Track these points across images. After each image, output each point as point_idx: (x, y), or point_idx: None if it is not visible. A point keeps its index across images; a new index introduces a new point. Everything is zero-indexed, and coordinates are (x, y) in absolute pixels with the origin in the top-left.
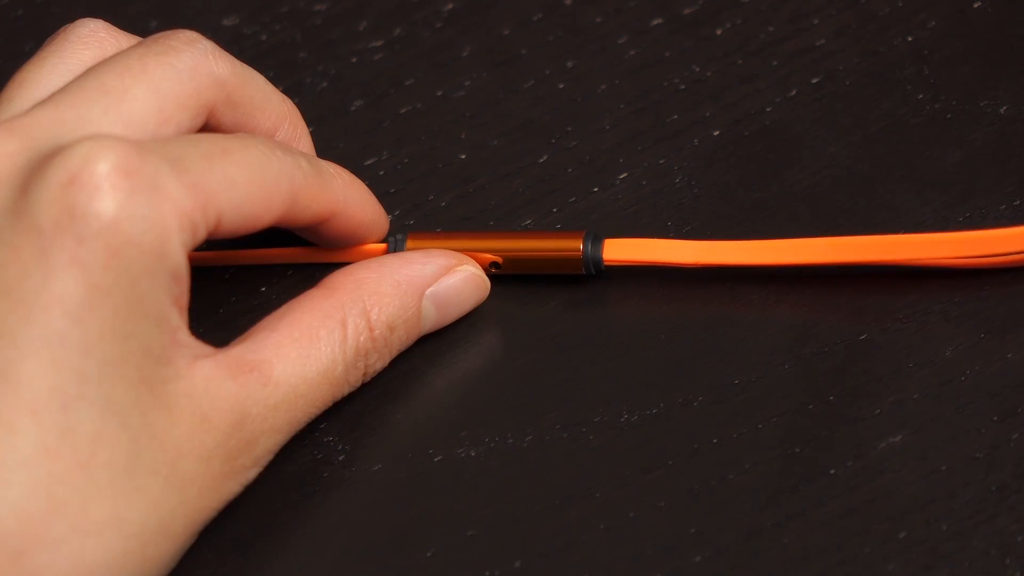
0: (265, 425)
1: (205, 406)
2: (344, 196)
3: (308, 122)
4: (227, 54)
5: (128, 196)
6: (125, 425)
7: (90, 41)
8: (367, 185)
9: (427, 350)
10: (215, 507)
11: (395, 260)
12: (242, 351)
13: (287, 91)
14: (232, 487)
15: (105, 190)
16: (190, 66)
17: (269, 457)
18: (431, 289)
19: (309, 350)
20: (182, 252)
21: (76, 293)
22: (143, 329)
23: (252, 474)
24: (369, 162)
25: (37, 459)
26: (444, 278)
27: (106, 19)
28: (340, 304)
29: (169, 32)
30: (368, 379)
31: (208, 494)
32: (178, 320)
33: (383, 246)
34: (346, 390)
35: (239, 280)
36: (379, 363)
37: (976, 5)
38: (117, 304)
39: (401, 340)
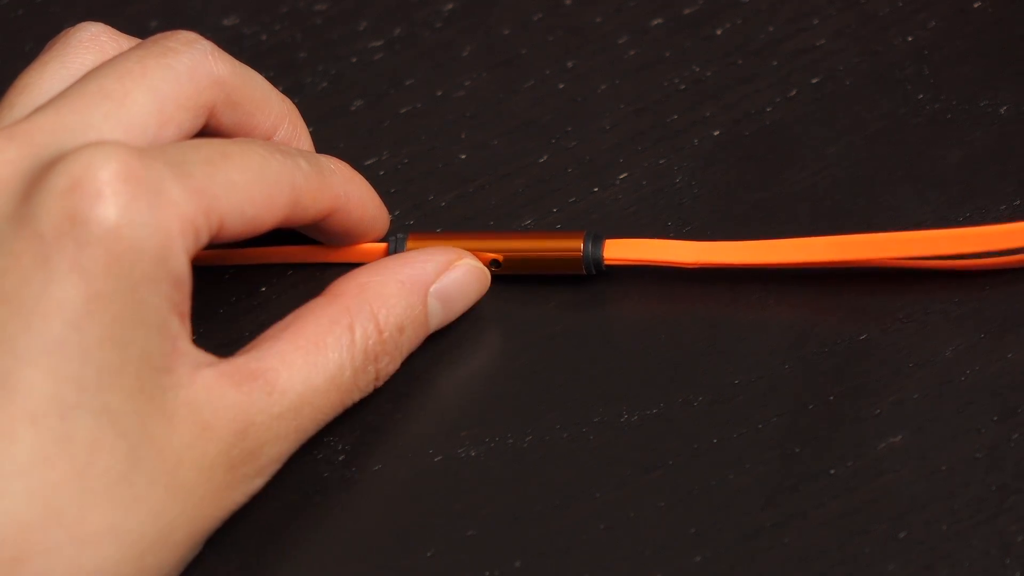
0: (270, 434)
1: (207, 415)
2: (345, 192)
3: (308, 122)
4: (226, 54)
5: (130, 202)
6: (123, 434)
7: (91, 45)
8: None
9: (427, 350)
10: (218, 516)
11: (396, 261)
12: (246, 360)
13: (287, 91)
14: (235, 497)
15: (107, 196)
16: (189, 67)
17: (275, 466)
18: (435, 286)
19: (316, 357)
20: (184, 258)
21: (76, 300)
22: (142, 336)
23: (257, 484)
24: (369, 162)
25: (35, 467)
26: (446, 274)
27: (106, 19)
28: (346, 309)
29: (168, 33)
30: (380, 383)
31: (210, 504)
32: (179, 328)
33: (383, 245)
34: (356, 396)
35: (239, 280)
36: (391, 366)
37: (976, 5)
38: (117, 311)
39: (410, 341)
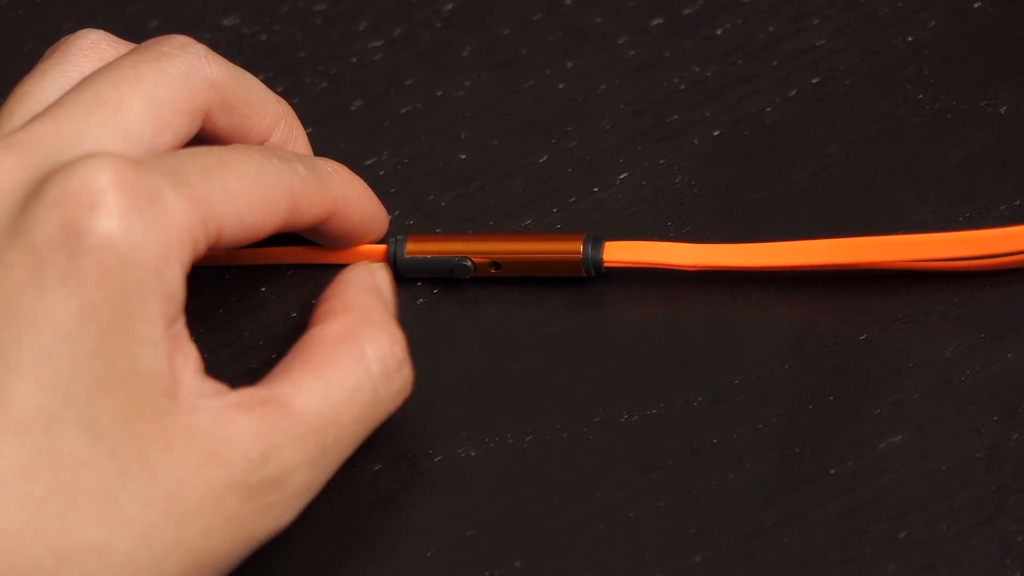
0: (296, 458)
1: (214, 442)
2: (343, 195)
3: (308, 122)
4: (221, 57)
5: (126, 213)
6: (112, 452)
7: (91, 53)
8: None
9: (428, 351)
10: (229, 551)
11: (342, 283)
12: (256, 390)
13: (287, 91)
14: (253, 531)
15: (102, 207)
16: (183, 71)
17: (304, 497)
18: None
19: (331, 375)
20: (179, 271)
21: (67, 311)
22: (133, 351)
23: (284, 518)
24: (369, 162)
25: (18, 479)
26: (377, 276)
27: (106, 20)
28: (347, 328)
29: (162, 37)
30: (409, 390)
31: (220, 536)
32: (172, 347)
33: (383, 247)
34: (389, 406)
35: (239, 280)
36: (408, 369)
37: (976, 5)
38: (108, 322)
39: (403, 337)
